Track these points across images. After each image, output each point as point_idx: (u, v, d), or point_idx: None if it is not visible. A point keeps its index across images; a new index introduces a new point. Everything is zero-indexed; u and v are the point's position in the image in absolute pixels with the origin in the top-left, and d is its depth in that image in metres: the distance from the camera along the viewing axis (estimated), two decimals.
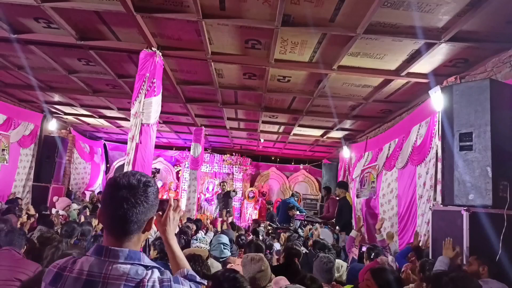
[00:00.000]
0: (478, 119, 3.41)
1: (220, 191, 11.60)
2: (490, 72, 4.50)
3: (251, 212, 13.33)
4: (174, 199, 1.56)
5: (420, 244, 4.46)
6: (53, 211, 6.99)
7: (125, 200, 1.24)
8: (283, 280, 2.77)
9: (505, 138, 3.44)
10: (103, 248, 1.25)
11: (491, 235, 3.14)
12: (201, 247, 4.43)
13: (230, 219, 7.99)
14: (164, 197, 12.47)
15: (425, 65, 4.96)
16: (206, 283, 1.49)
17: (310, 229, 6.83)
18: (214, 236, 5.44)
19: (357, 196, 8.70)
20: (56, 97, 8.46)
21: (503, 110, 3.46)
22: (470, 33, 4.05)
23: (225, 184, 11.67)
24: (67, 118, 10.68)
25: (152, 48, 4.93)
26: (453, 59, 4.74)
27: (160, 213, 1.47)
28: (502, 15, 3.67)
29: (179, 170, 13.47)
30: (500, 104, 3.44)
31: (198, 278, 1.48)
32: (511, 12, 3.61)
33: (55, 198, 7.85)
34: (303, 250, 4.85)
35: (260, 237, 6.63)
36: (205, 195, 13.19)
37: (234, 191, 11.57)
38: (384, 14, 3.82)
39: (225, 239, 4.69)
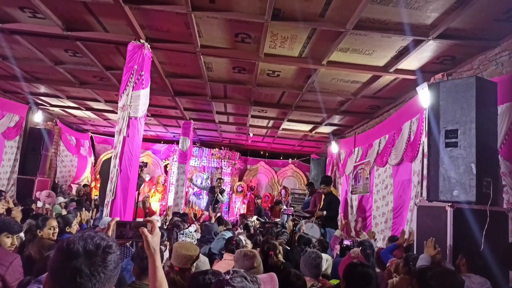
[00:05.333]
0: (463, 116, 3.46)
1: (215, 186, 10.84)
2: (477, 70, 4.56)
3: (239, 206, 13.34)
4: (148, 223, 1.45)
5: (406, 243, 4.48)
6: (39, 204, 6.88)
7: (79, 272, 1.03)
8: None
9: (489, 135, 3.50)
10: None
11: (474, 231, 3.20)
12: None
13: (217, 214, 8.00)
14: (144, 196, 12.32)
15: (413, 61, 5.00)
16: None
17: (295, 224, 6.80)
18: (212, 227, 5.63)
19: (352, 192, 8.76)
20: (42, 89, 8.31)
21: (488, 107, 3.52)
22: (458, 31, 4.09)
23: (221, 181, 10.98)
24: (53, 110, 10.51)
25: (140, 40, 4.87)
26: (441, 56, 4.78)
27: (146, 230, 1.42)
28: (489, 13, 3.71)
29: (167, 163, 13.39)
30: (486, 102, 3.50)
31: None
32: (498, 10, 3.66)
33: (37, 193, 7.71)
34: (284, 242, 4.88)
35: (252, 231, 6.63)
36: (193, 189, 13.11)
37: (221, 193, 10.80)
38: (373, 10, 3.83)
39: (229, 235, 4.71)
